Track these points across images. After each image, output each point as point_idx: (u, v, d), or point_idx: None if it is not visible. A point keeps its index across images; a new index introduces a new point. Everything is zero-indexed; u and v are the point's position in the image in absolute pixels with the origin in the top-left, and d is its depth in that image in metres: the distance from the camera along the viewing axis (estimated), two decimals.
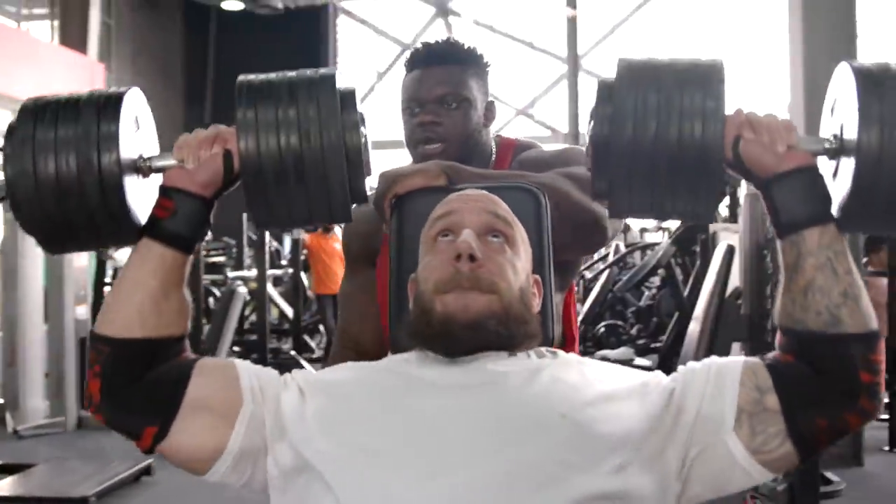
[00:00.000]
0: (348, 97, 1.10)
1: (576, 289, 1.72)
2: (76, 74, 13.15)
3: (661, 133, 1.01)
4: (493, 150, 1.65)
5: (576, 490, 0.94)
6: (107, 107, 1.07)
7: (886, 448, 4.93)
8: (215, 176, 1.08)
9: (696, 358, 4.33)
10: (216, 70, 15.79)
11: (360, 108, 1.13)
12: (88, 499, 3.85)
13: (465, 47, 1.61)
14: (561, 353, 1.15)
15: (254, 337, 7.28)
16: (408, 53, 1.63)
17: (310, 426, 1.03)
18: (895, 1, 11.95)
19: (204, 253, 8.33)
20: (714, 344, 4.32)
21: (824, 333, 1.02)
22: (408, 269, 1.23)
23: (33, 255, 5.57)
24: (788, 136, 1.04)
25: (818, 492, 3.96)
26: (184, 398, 1.07)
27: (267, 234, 7.18)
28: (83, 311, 5.81)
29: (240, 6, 15.69)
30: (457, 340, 1.06)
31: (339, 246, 8.19)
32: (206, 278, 7.70)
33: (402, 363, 1.11)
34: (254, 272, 7.55)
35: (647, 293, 7.42)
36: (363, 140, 1.12)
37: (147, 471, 4.41)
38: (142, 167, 1.11)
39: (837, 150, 1.04)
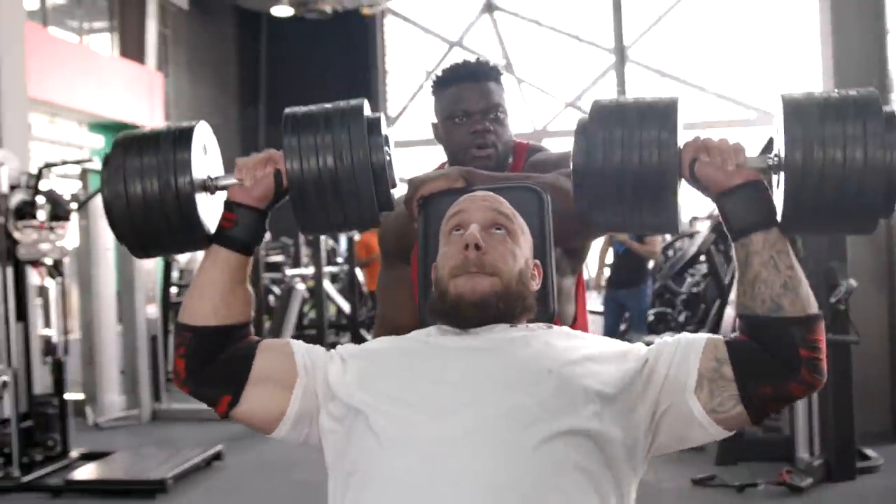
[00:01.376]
0: (374, 123, 1.36)
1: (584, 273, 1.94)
2: (135, 84, 13.66)
3: (625, 160, 1.24)
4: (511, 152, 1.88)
5: (559, 426, 1.17)
6: (180, 139, 1.34)
7: None
8: (268, 191, 1.34)
9: None
10: (269, 74, 16.15)
11: (384, 131, 1.39)
12: (166, 481, 4.15)
13: (494, 66, 1.85)
14: (555, 326, 1.38)
15: (313, 332, 7.56)
16: (441, 71, 1.86)
17: (350, 384, 1.28)
18: None
19: (264, 253, 8.64)
20: None
21: (769, 318, 1.22)
22: (433, 257, 1.47)
23: (106, 262, 5.93)
24: (737, 157, 1.24)
25: (854, 467, 4.08)
26: (250, 372, 1.32)
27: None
28: (153, 311, 6.15)
29: (289, 12, 16.05)
30: (466, 316, 1.30)
31: None
32: (266, 276, 8.01)
33: (424, 335, 1.36)
34: (311, 270, 7.82)
35: (689, 280, 7.52)
36: (387, 159, 1.38)
37: (218, 456, 4.72)
38: (209, 186, 1.38)
39: (777, 166, 1.25)
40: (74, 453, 4.70)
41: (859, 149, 1.16)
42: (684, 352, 1.26)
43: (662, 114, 1.25)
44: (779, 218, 1.24)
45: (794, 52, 14.00)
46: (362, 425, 1.23)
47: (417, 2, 16.24)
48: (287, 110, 1.36)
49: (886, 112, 1.19)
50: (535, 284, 1.39)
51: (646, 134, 1.24)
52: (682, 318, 7.47)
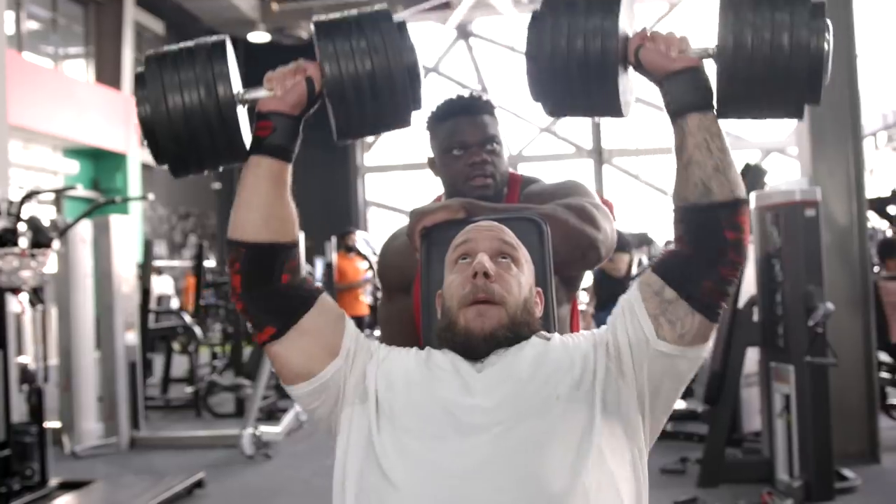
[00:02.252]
0: (403, 27, 1.40)
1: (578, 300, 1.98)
2: (111, 109, 13.61)
3: (570, 47, 1.32)
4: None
5: (572, 448, 1.25)
6: (215, 51, 1.36)
7: None
8: (301, 98, 1.35)
9: (712, 365, 4.52)
10: None
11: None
12: None
13: (487, 100, 1.90)
14: (554, 336, 1.42)
15: None
16: (436, 107, 1.90)
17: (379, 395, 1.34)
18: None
19: None
20: (729, 349, 4.50)
21: (699, 205, 1.28)
22: (435, 286, 1.52)
23: (84, 288, 5.89)
24: (680, 44, 1.31)
25: (833, 487, 4.14)
26: (302, 318, 1.36)
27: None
28: (132, 337, 6.11)
29: (266, 38, 16.14)
30: (476, 350, 1.35)
31: (360, 265, 8.49)
32: None
33: (443, 361, 1.37)
34: None
35: None
36: (418, 59, 1.41)
37: (199, 484, 4.69)
38: (239, 99, 1.39)
39: (716, 55, 1.32)
40: (53, 482, 4.64)
41: (786, 33, 1.26)
42: (630, 310, 1.33)
43: (607, 4, 1.33)
44: (715, 103, 1.32)
45: None
46: (374, 462, 1.28)
47: None
48: (315, 19, 1.39)
49: (814, 1, 1.29)
50: (539, 311, 1.43)
51: (590, 22, 1.32)
52: None
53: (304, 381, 1.36)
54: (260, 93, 1.39)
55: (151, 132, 1.35)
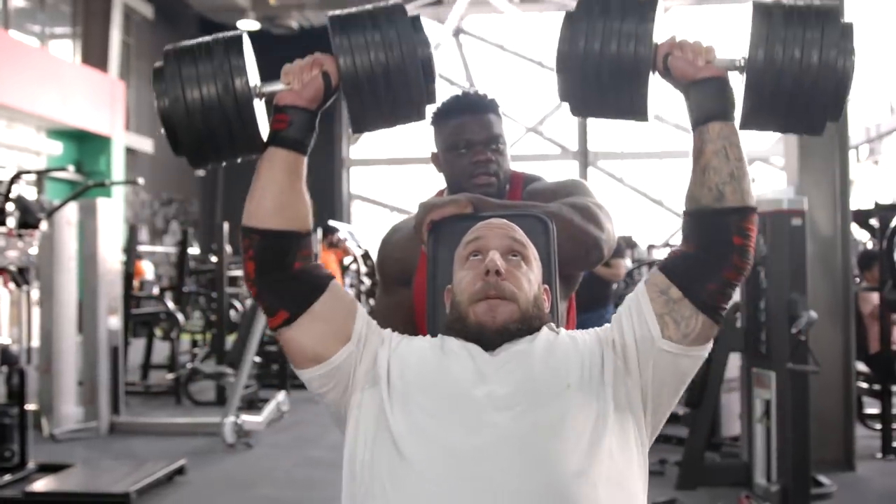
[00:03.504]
0: (417, 21, 1.42)
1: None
2: (97, 92, 13.50)
3: (603, 49, 1.35)
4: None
5: (582, 437, 1.28)
6: (232, 45, 1.39)
7: (879, 455, 5.14)
8: (318, 92, 1.38)
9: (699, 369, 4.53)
10: None
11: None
12: (129, 495, 4.09)
13: (492, 99, 1.92)
14: (561, 330, 1.45)
15: (273, 348, 7.54)
16: (441, 103, 1.92)
17: (394, 384, 1.36)
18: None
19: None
20: (712, 355, 4.54)
21: (711, 208, 1.32)
22: (442, 279, 1.54)
23: (69, 271, 5.86)
24: (707, 55, 1.35)
25: (809, 493, 4.20)
26: (314, 304, 1.38)
27: None
28: (115, 322, 6.08)
29: (256, 26, 16.06)
30: (489, 341, 1.37)
31: (346, 260, 8.53)
32: (227, 291, 7.96)
33: (457, 347, 1.39)
34: None
35: None
36: (432, 53, 1.43)
37: (180, 470, 4.68)
38: (257, 92, 1.41)
39: (743, 67, 1.36)
40: (32, 465, 4.62)
41: (816, 51, 1.30)
42: (637, 308, 1.36)
43: (642, 9, 1.36)
44: (739, 112, 1.35)
45: None
46: (388, 440, 1.30)
47: None
48: (331, 14, 1.41)
49: (844, 22, 1.33)
50: (547, 307, 1.46)
51: (625, 26, 1.34)
52: None
53: (316, 365, 1.38)
54: (277, 86, 1.41)
55: (171, 125, 1.37)
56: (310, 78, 1.38)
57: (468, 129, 1.86)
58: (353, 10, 1.41)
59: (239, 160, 1.45)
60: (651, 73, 1.37)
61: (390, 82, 1.38)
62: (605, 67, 1.35)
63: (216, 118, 1.36)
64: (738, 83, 1.37)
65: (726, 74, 1.36)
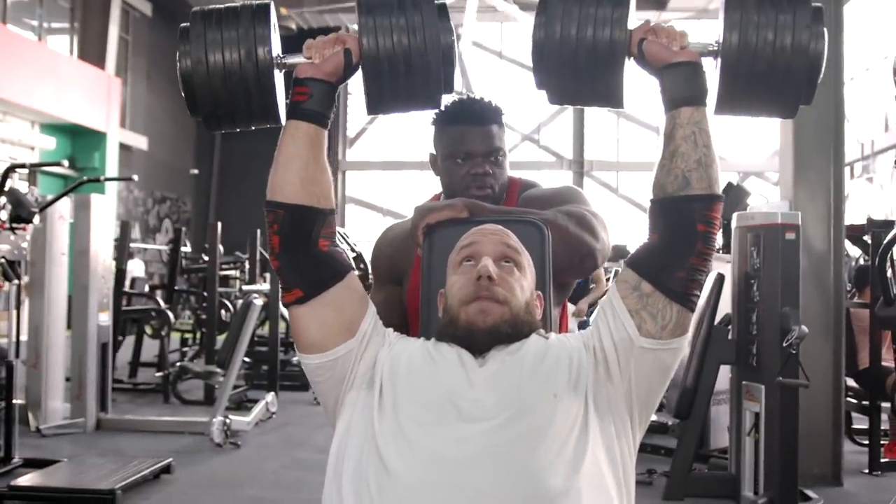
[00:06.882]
0: (443, 9, 1.42)
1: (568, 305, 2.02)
2: (93, 87, 13.48)
3: (579, 35, 1.35)
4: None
5: (567, 443, 1.28)
6: (258, 14, 1.39)
7: (866, 471, 5.13)
8: (338, 67, 1.39)
9: (685, 380, 4.55)
10: None
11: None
12: (115, 492, 4.06)
13: (497, 107, 1.91)
14: (552, 335, 1.46)
15: (264, 348, 7.52)
16: (445, 108, 1.90)
17: (386, 389, 1.36)
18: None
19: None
20: (703, 366, 4.55)
21: (675, 196, 1.33)
22: (436, 282, 1.54)
23: (60, 264, 5.84)
24: (682, 39, 1.36)
25: None
26: (330, 289, 1.39)
27: None
28: (105, 318, 6.06)
29: None
30: (479, 343, 1.37)
31: None
32: (219, 290, 7.94)
33: (448, 352, 1.40)
34: (266, 286, 7.80)
35: None
36: (454, 42, 1.44)
37: (167, 469, 4.66)
38: (278, 63, 1.42)
39: (717, 51, 1.37)
40: (17, 459, 4.60)
41: (788, 34, 1.31)
42: (611, 309, 1.37)
43: None
44: (714, 97, 1.36)
45: None
46: (373, 448, 1.30)
47: None
48: None
49: (815, 6, 1.34)
50: (539, 314, 1.46)
51: (601, 11, 1.35)
52: None
53: (317, 352, 1.39)
54: (298, 59, 1.42)
55: (190, 87, 1.38)
56: (331, 53, 1.39)
57: (469, 139, 1.85)
58: None
59: (252, 128, 1.46)
60: (626, 59, 1.38)
61: (410, 66, 1.38)
62: (582, 52, 1.35)
63: (235, 84, 1.37)
64: (711, 69, 1.38)
65: (700, 60, 1.36)
